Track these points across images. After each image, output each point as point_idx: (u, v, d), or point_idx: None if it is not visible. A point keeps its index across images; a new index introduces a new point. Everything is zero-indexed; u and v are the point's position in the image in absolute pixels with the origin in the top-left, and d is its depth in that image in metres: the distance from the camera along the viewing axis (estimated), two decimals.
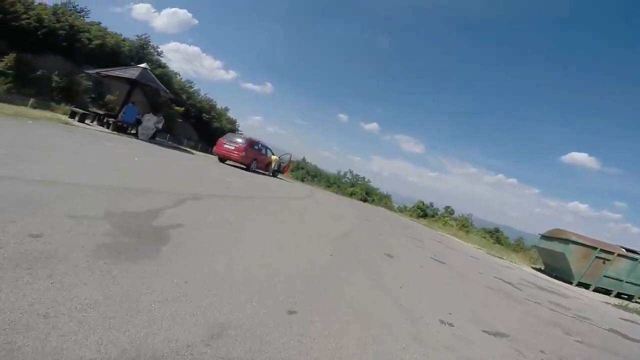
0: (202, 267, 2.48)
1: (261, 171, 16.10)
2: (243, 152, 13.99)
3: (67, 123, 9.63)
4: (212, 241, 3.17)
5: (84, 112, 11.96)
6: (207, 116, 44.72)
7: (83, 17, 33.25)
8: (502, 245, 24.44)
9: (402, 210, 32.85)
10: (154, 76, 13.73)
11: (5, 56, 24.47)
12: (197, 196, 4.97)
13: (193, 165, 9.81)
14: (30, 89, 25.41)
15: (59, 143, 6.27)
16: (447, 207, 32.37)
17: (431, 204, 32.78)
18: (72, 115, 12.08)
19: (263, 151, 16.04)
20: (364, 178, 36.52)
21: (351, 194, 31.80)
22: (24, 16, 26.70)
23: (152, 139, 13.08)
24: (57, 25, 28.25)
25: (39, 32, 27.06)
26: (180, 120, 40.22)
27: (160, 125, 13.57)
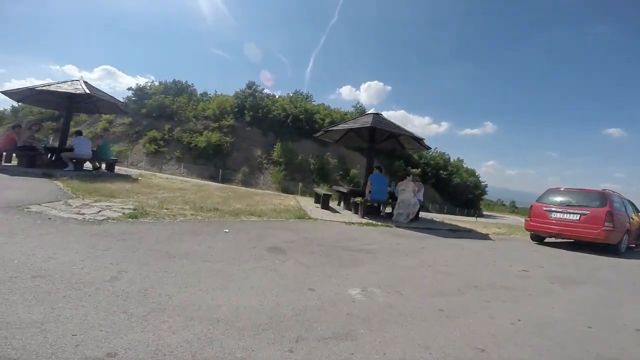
0: None
1: (633, 245, 7.90)
2: (608, 224, 6.15)
3: (300, 217, 6.20)
4: None
5: (325, 193, 8.88)
6: (445, 172, 38.15)
7: (310, 101, 38.94)
8: None
9: None
10: (388, 120, 9.30)
11: (275, 146, 29.24)
12: None
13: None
14: (297, 173, 30.43)
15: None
16: None
17: None
18: (317, 199, 9.51)
19: (628, 211, 7.41)
20: None
21: None
22: (273, 107, 31.80)
23: (412, 221, 7.62)
24: (296, 110, 32.12)
25: (287, 120, 31.20)
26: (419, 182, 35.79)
27: (421, 197, 8.41)
